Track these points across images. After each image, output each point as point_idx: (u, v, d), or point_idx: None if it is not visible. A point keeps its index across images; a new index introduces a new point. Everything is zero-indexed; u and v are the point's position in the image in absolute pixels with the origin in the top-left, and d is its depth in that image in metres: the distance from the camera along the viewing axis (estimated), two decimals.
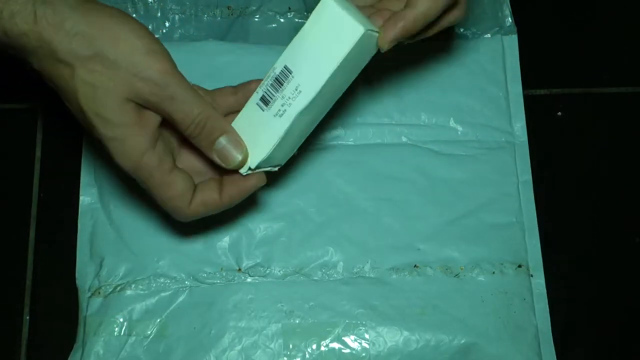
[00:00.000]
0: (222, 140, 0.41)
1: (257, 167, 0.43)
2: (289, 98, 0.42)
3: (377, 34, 0.42)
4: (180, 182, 0.42)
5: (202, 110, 0.40)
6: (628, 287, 0.55)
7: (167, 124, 0.42)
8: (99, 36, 0.38)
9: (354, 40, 0.40)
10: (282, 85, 0.42)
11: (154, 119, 0.40)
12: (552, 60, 0.60)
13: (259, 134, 0.42)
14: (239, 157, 0.42)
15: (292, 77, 0.42)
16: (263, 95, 0.42)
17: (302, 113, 0.42)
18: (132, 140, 0.39)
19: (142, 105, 0.40)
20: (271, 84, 0.42)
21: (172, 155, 0.42)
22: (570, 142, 0.58)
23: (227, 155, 0.42)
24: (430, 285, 0.51)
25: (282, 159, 0.45)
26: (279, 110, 0.42)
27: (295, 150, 0.45)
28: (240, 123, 0.43)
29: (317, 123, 0.45)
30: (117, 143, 0.39)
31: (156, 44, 0.39)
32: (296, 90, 0.41)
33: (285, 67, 0.42)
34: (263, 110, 0.42)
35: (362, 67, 0.44)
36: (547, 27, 0.61)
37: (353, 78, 0.44)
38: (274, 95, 0.42)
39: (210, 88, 0.46)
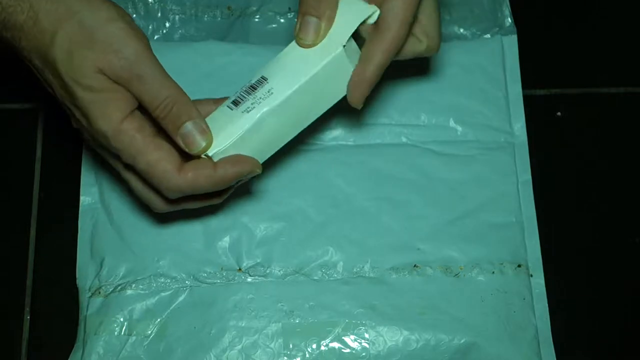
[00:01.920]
0: (188, 125, 0.42)
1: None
2: (260, 98, 0.43)
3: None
4: (166, 144, 0.42)
5: (171, 94, 0.41)
6: (628, 287, 0.55)
7: (142, 107, 0.42)
8: (82, 7, 0.40)
9: (332, 55, 0.42)
10: (255, 89, 0.43)
11: (129, 93, 0.41)
12: (552, 61, 0.60)
13: (224, 127, 0.43)
14: (203, 144, 0.42)
15: (267, 83, 0.43)
16: (235, 99, 0.44)
17: (270, 113, 0.42)
18: (113, 102, 0.40)
19: (114, 80, 0.40)
20: (245, 90, 0.43)
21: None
22: (569, 142, 0.58)
23: (191, 141, 0.42)
24: (430, 285, 0.51)
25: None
26: (248, 107, 0.43)
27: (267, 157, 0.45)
28: (208, 122, 0.43)
29: (291, 137, 0.45)
30: (97, 105, 0.40)
31: (135, 25, 0.41)
32: (268, 92, 0.43)
33: (262, 76, 0.43)
34: (232, 110, 0.43)
35: (344, 93, 0.44)
36: (546, 28, 0.61)
37: (333, 101, 0.45)
38: (245, 98, 0.43)
39: (210, 88, 0.46)
